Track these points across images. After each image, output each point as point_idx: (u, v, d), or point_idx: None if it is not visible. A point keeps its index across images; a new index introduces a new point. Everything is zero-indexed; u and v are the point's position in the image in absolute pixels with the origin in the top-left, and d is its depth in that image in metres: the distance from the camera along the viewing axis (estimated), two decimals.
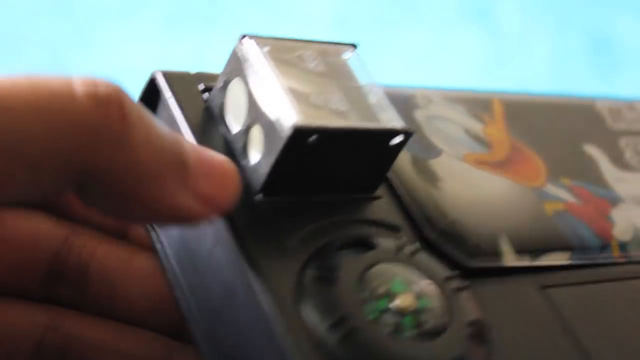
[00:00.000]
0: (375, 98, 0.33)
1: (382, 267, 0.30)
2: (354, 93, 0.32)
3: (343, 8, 0.84)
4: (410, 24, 0.84)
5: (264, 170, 0.31)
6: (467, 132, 0.38)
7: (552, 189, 0.37)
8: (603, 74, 0.81)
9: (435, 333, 0.29)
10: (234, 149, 0.32)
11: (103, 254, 0.36)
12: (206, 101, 0.34)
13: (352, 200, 0.33)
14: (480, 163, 0.37)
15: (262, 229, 0.31)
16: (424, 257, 0.32)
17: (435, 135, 0.37)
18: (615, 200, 0.37)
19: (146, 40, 0.80)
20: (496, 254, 0.33)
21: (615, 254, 0.35)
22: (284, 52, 0.33)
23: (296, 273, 0.30)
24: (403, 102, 0.38)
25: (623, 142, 0.40)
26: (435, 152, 0.37)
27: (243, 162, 0.32)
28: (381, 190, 0.34)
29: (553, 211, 0.36)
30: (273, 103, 0.31)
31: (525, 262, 0.34)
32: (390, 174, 0.34)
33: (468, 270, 0.32)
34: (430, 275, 0.30)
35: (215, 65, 0.34)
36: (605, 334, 0.32)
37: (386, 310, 0.29)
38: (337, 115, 0.31)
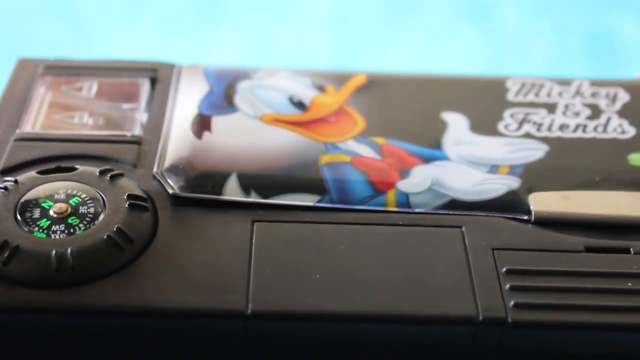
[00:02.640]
0: None
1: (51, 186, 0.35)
2: None
3: (343, 8, 0.85)
4: (410, 23, 0.84)
5: None
6: (290, 98, 0.41)
7: (351, 145, 0.38)
8: (603, 74, 0.79)
9: (96, 215, 0.34)
10: None
11: None
12: None
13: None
14: (276, 121, 0.39)
15: None
16: (122, 181, 0.35)
17: (244, 99, 0.40)
18: (432, 159, 0.38)
19: (146, 40, 0.82)
20: (218, 188, 0.36)
21: (390, 203, 0.36)
22: None
23: None
24: (237, 74, 0.42)
25: (509, 112, 0.41)
26: (229, 111, 0.39)
27: None
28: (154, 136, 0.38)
29: (326, 162, 0.37)
30: None
31: (247, 198, 0.35)
32: (167, 123, 0.39)
33: (182, 199, 0.35)
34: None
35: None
36: (279, 263, 0.33)
37: (51, 221, 0.33)
38: None
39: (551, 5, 0.86)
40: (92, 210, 0.34)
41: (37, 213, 0.33)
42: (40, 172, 0.35)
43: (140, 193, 0.35)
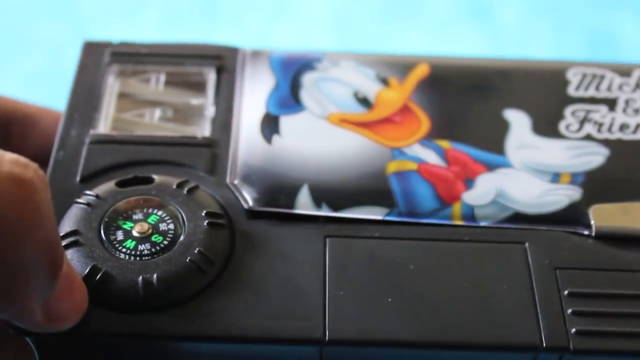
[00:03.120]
0: None
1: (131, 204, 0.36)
2: None
3: (343, 8, 0.84)
4: (410, 24, 0.83)
5: None
6: (355, 93, 0.41)
7: (416, 150, 0.39)
8: None
9: (177, 232, 0.35)
10: None
11: None
12: None
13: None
14: (344, 121, 0.40)
15: None
16: (199, 194, 0.37)
17: (310, 95, 0.41)
18: (496, 166, 0.39)
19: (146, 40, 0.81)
20: (290, 201, 0.37)
21: (456, 216, 0.37)
22: None
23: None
24: (302, 65, 0.42)
25: (570, 109, 0.42)
26: (297, 109, 0.40)
27: None
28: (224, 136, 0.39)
29: (394, 170, 0.38)
30: None
31: (318, 212, 0.37)
32: (236, 122, 0.40)
33: (256, 213, 0.37)
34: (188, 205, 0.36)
35: None
36: (352, 285, 0.35)
37: (136, 242, 0.35)
38: None
39: (551, 5, 0.85)
40: (172, 226, 0.35)
41: (120, 235, 0.35)
42: (119, 184, 0.37)
43: (217, 209, 0.36)
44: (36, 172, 0.29)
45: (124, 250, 0.34)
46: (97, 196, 0.36)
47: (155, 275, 0.33)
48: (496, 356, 0.34)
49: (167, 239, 0.35)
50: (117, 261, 0.34)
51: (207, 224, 0.35)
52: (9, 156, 0.29)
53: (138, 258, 0.34)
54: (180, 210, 0.36)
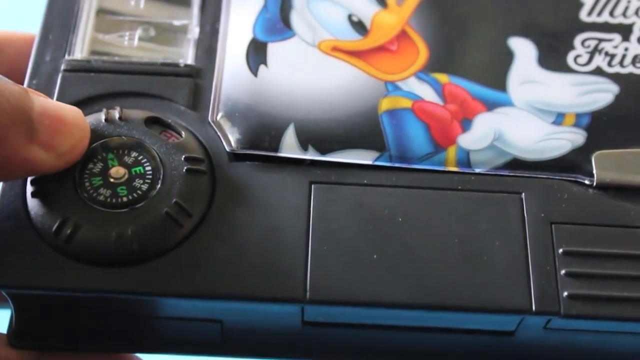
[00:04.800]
0: None
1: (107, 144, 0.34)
2: None
3: None
4: None
5: None
6: (350, 16, 0.39)
7: (412, 84, 0.37)
8: None
9: (154, 178, 0.33)
10: None
11: None
12: None
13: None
14: (336, 50, 0.38)
15: None
16: (180, 134, 0.35)
17: (301, 18, 0.38)
18: (496, 104, 0.37)
19: None
20: (275, 143, 0.35)
21: (450, 161, 0.35)
22: None
23: None
24: None
25: (581, 38, 0.39)
26: (286, 35, 0.38)
27: None
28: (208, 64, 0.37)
29: (386, 109, 0.36)
30: None
31: (304, 155, 0.35)
32: (221, 48, 0.37)
33: (239, 156, 0.35)
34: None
35: None
36: (336, 239, 0.33)
37: (111, 190, 0.33)
38: None
39: None
40: (149, 170, 0.33)
41: (95, 180, 0.33)
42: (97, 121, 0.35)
43: (198, 153, 0.34)
44: None
45: (99, 198, 0.33)
46: None
47: (129, 230, 0.32)
48: (483, 318, 0.33)
49: (145, 184, 0.33)
50: (90, 211, 0.32)
51: (186, 170, 0.33)
52: None
53: (112, 208, 0.33)
54: (159, 153, 0.34)
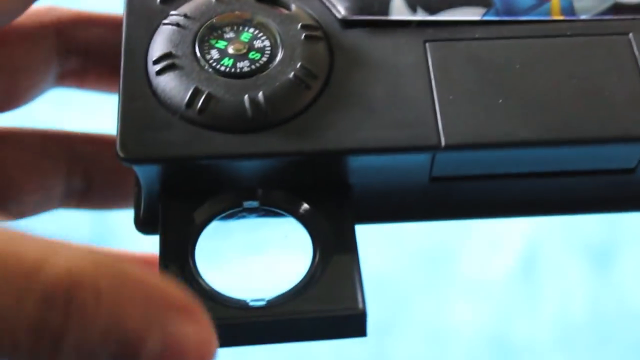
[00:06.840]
0: None
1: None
2: None
3: None
4: None
5: None
6: None
7: None
8: None
9: (273, 49, 0.34)
10: None
11: None
12: None
13: None
14: None
15: None
16: (291, 7, 0.35)
17: None
18: None
19: None
20: (385, 7, 0.35)
21: (555, 10, 0.36)
22: None
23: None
24: None
25: None
26: None
27: None
28: None
29: None
30: None
31: (414, 16, 0.35)
32: None
33: (349, 22, 0.35)
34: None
35: None
36: (460, 88, 0.33)
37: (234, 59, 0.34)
38: None
39: None
40: (267, 43, 0.34)
41: (216, 54, 0.34)
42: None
43: (312, 22, 0.35)
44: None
45: (222, 69, 0.33)
46: (185, 15, 0.34)
47: (260, 93, 0.32)
48: (606, 153, 0.34)
49: (265, 55, 0.33)
50: (218, 81, 0.33)
51: (304, 37, 0.34)
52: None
53: (239, 77, 0.33)
54: (274, 25, 0.34)
